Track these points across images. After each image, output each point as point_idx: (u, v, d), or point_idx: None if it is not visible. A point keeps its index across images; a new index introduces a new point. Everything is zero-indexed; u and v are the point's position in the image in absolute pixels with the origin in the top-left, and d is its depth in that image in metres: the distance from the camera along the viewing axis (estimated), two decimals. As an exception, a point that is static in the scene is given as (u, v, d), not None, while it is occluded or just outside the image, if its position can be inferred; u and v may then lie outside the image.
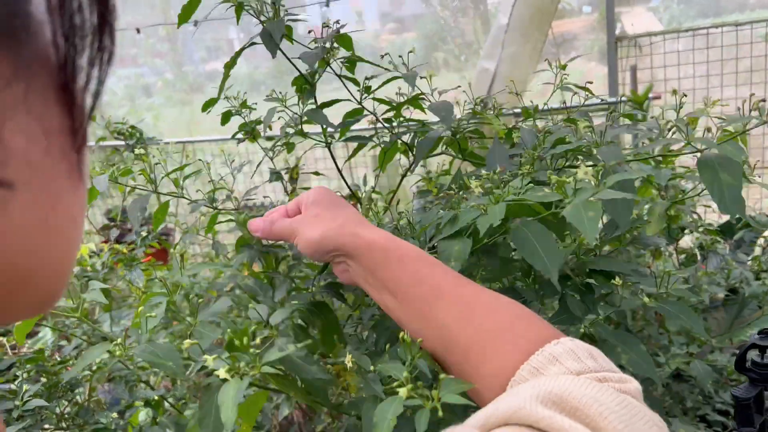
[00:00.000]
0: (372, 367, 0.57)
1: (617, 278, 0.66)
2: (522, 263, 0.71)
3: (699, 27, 2.01)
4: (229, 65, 0.79)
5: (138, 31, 2.81)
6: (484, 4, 3.30)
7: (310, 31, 0.83)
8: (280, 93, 0.92)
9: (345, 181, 0.99)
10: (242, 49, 0.79)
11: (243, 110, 0.97)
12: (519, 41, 2.14)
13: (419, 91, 0.86)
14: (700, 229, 1.20)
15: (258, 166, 1.03)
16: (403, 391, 0.48)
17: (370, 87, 0.85)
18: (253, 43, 0.77)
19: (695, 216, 1.12)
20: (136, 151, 1.21)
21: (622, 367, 0.69)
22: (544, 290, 0.69)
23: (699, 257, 1.46)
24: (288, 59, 0.81)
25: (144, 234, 1.12)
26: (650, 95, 1.76)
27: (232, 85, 0.88)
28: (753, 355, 0.55)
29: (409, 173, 0.97)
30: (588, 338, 0.70)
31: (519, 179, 0.65)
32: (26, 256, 0.23)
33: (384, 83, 0.84)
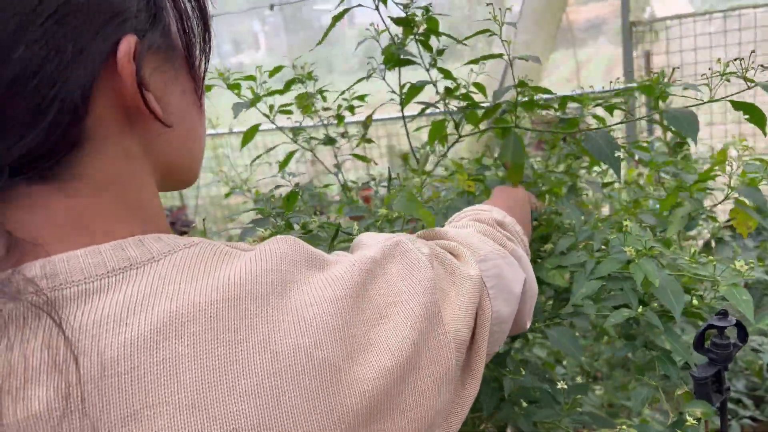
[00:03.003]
0: None
1: None
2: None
3: (714, 11, 1.97)
4: (337, 18, 0.88)
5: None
6: (501, -9, 3.27)
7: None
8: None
9: (409, 141, 1.08)
10: (348, 9, 0.89)
11: (307, 80, 1.06)
12: (532, 29, 2.13)
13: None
14: (703, 216, 1.19)
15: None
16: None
17: (443, 51, 0.96)
18: (360, 5, 0.91)
19: (701, 202, 1.11)
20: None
21: (659, 348, 0.82)
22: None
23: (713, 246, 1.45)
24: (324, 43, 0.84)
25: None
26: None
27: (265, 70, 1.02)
28: (713, 335, 0.56)
29: (450, 148, 1.06)
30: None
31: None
32: (181, 158, 0.44)
33: (479, 59, 0.93)
